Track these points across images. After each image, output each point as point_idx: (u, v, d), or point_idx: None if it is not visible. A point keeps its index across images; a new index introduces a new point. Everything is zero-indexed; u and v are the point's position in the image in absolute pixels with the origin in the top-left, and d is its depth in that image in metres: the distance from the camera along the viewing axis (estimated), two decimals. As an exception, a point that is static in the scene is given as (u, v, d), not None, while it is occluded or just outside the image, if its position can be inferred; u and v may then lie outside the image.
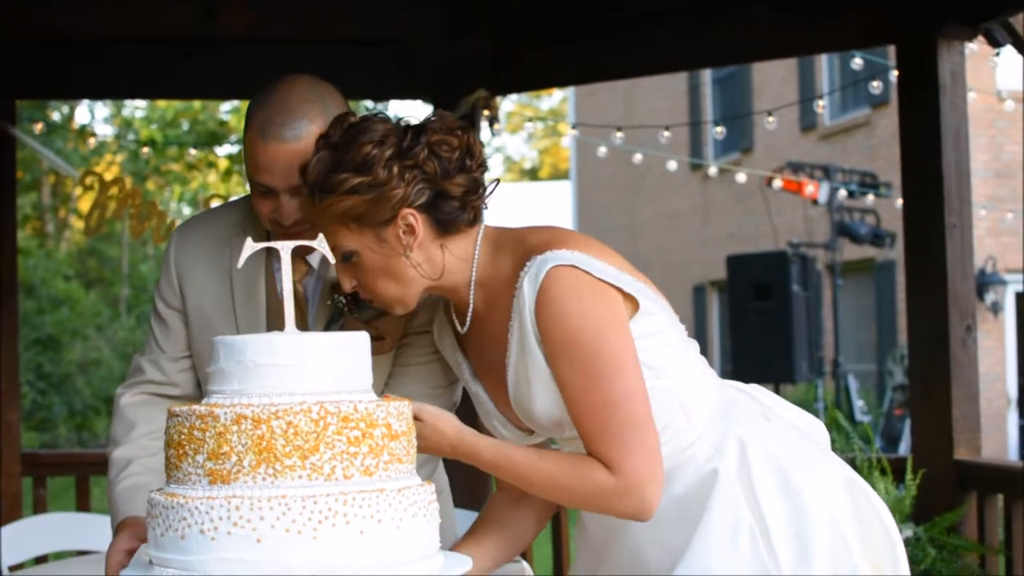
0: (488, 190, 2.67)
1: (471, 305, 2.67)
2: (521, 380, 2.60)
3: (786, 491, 2.61)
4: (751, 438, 2.65)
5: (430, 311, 2.92)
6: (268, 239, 2.94)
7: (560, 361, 2.53)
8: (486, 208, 2.68)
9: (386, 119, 2.59)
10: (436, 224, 2.60)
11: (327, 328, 2.94)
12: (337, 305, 2.92)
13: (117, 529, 2.84)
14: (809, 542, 2.58)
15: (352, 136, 2.56)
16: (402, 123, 2.60)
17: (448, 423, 2.56)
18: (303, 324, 2.96)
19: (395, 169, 2.54)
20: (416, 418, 2.53)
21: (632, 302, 2.58)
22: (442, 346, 2.85)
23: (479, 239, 2.66)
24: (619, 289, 2.56)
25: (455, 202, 2.60)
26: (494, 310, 2.64)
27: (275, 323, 2.97)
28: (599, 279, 2.54)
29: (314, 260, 2.99)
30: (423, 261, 2.61)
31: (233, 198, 3.22)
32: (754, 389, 2.82)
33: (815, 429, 2.81)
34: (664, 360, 2.62)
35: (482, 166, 2.63)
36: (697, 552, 2.58)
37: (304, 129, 2.78)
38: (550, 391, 2.57)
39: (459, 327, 2.72)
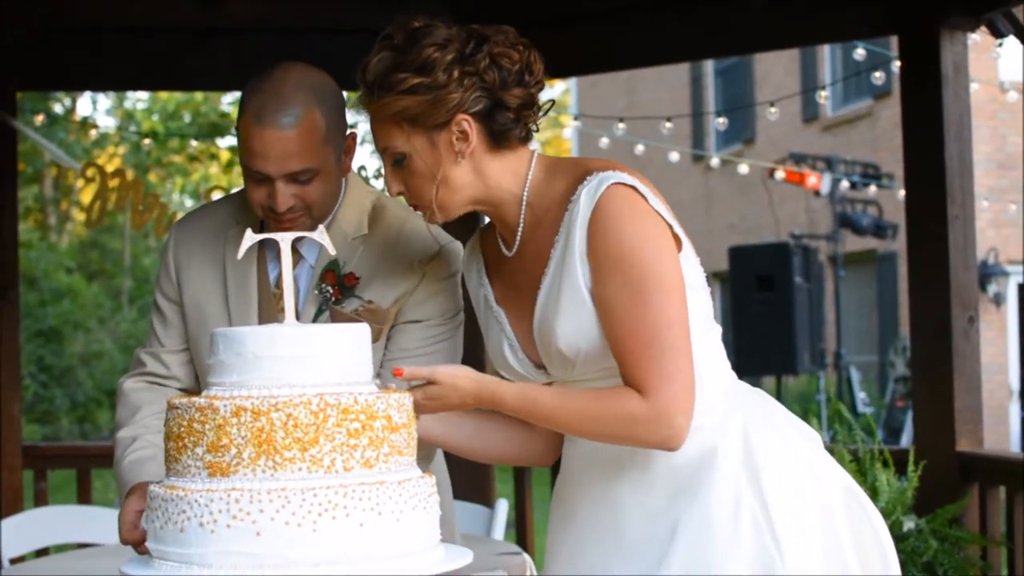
0: (543, 109, 2.67)
1: (521, 225, 2.66)
2: (551, 297, 2.58)
3: (786, 484, 2.61)
4: (756, 428, 2.65)
5: (420, 304, 2.95)
6: (261, 229, 2.94)
7: (610, 278, 2.52)
8: (536, 130, 2.68)
9: (450, 24, 2.60)
10: (489, 135, 2.60)
11: (316, 317, 2.94)
12: (325, 295, 2.92)
13: (127, 495, 2.83)
14: (808, 535, 2.58)
15: (415, 38, 2.57)
16: (464, 31, 2.60)
17: (465, 377, 2.55)
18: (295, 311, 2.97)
19: (455, 73, 2.54)
20: (432, 382, 2.53)
21: (678, 243, 2.59)
22: (468, 277, 2.84)
23: (533, 161, 2.66)
24: (669, 227, 2.57)
25: (510, 113, 2.59)
26: (538, 231, 2.64)
27: (266, 315, 2.97)
28: (655, 209, 2.55)
29: (305, 250, 2.99)
30: (472, 170, 2.61)
31: (234, 190, 3.22)
32: (751, 389, 2.81)
33: (811, 435, 2.80)
34: (692, 316, 2.60)
35: (539, 84, 2.63)
36: (695, 527, 2.56)
37: (299, 115, 2.78)
38: (577, 317, 2.55)
39: (506, 250, 2.70)
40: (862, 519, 2.68)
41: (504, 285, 2.74)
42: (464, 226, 2.87)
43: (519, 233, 2.66)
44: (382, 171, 2.79)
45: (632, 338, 2.50)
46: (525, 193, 2.64)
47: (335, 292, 2.93)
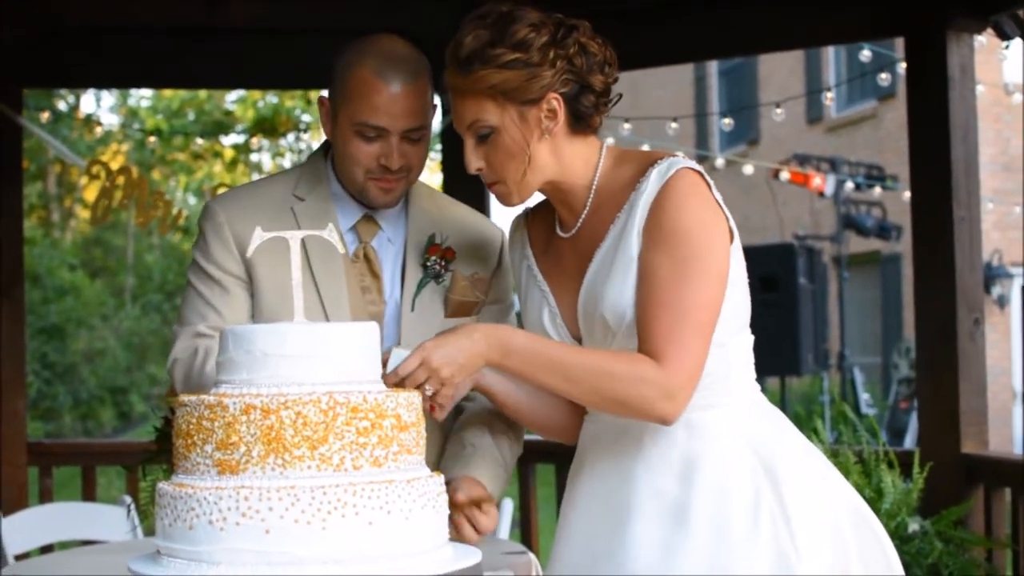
0: (613, 100, 2.75)
1: (586, 210, 2.74)
2: (603, 266, 2.65)
3: (803, 490, 2.64)
4: (775, 437, 2.70)
5: (498, 284, 3.06)
6: (332, 204, 3.01)
7: (659, 249, 2.59)
8: (601, 122, 2.76)
9: (537, 11, 2.68)
10: (572, 116, 2.68)
11: (419, 289, 2.99)
12: (434, 267, 2.99)
13: None
14: (821, 540, 2.61)
15: (510, 19, 2.64)
16: (552, 19, 2.68)
17: (473, 325, 2.63)
18: (377, 285, 3.00)
19: (549, 54, 2.63)
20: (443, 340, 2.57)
21: (731, 237, 2.68)
22: (512, 248, 2.91)
23: (603, 150, 2.75)
24: (727, 220, 2.66)
25: (593, 97, 2.68)
26: (598, 214, 2.72)
27: (353, 285, 2.98)
28: (716, 199, 2.65)
29: (385, 223, 3.02)
30: (553, 151, 2.69)
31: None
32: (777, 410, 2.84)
33: (823, 457, 2.83)
34: (728, 308, 2.66)
35: (614, 79, 2.73)
36: (713, 521, 2.59)
37: (418, 73, 2.90)
38: (625, 286, 2.61)
39: (562, 232, 2.78)
40: (869, 537, 2.72)
41: (548, 263, 2.81)
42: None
43: (582, 217, 2.74)
44: None
45: (663, 308, 2.56)
46: (595, 181, 2.72)
47: (441, 265, 3.00)
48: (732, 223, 2.67)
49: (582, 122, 2.69)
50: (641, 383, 2.54)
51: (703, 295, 2.57)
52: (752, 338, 2.78)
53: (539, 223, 2.86)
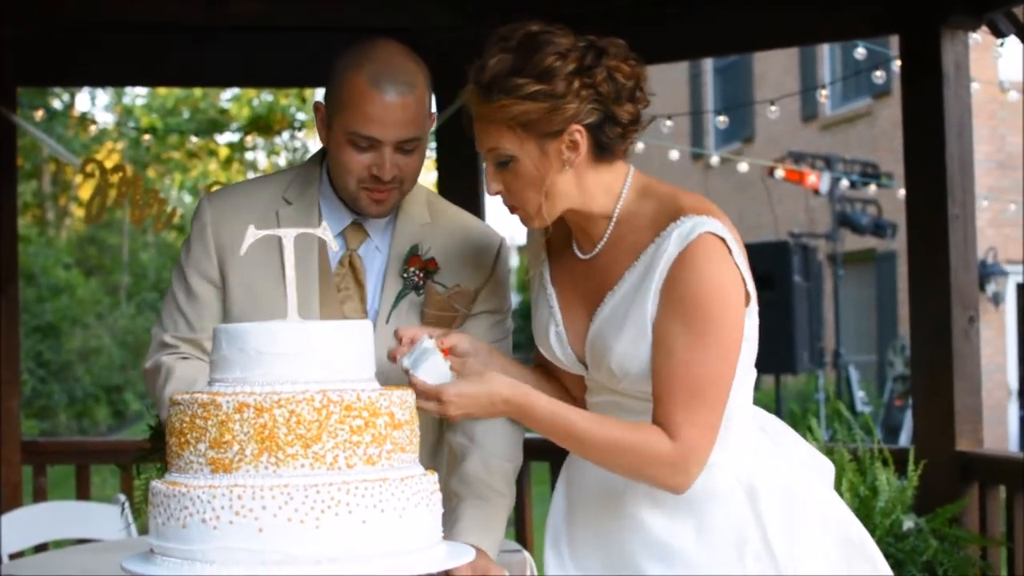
0: (645, 125, 2.66)
1: (604, 239, 2.67)
2: (615, 316, 2.61)
3: (788, 526, 2.65)
4: (765, 469, 2.69)
5: (491, 295, 2.98)
6: (319, 211, 2.96)
7: (676, 318, 2.54)
8: (632, 146, 2.69)
9: (567, 33, 2.59)
10: (596, 147, 2.60)
11: (397, 300, 2.94)
12: (412, 279, 2.93)
13: None
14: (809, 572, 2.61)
15: (536, 44, 2.55)
16: (581, 41, 2.59)
17: (497, 375, 2.58)
18: (361, 293, 2.95)
19: (575, 84, 2.54)
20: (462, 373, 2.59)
21: (747, 300, 2.63)
22: (529, 244, 2.86)
23: (628, 178, 2.67)
24: (744, 283, 2.60)
25: (619, 128, 2.60)
26: (617, 246, 2.65)
27: (326, 297, 2.94)
28: (737, 265, 2.58)
29: (373, 230, 2.98)
30: (575, 181, 2.61)
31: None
32: (769, 419, 2.82)
33: (822, 466, 2.82)
34: (739, 365, 2.64)
35: (647, 102, 2.64)
36: (699, 562, 2.60)
37: (415, 84, 2.82)
38: (638, 340, 2.58)
39: (579, 252, 2.72)
40: (863, 567, 2.72)
41: (562, 277, 2.76)
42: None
43: (600, 245, 2.68)
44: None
45: (678, 381, 2.53)
46: (616, 211, 2.66)
47: (420, 277, 2.94)
48: (750, 283, 2.62)
49: (606, 151, 2.61)
50: (655, 462, 2.53)
51: (717, 368, 2.55)
52: (755, 374, 2.76)
53: (559, 230, 2.78)
